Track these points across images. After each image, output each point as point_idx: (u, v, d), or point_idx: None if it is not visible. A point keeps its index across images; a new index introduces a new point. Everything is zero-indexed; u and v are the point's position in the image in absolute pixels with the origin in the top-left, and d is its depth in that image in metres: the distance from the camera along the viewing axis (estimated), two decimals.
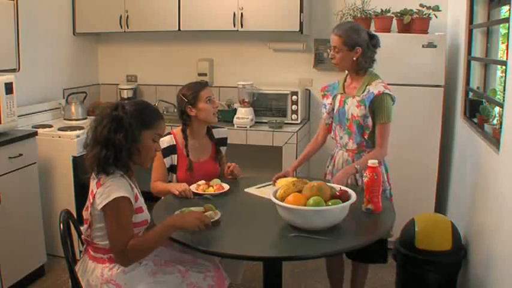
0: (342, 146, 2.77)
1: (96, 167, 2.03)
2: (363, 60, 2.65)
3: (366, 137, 2.66)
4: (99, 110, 4.43)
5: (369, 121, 2.61)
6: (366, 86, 2.65)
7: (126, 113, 2.03)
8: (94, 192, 2.03)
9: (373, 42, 2.66)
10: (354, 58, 2.63)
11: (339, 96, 2.79)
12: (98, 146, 2.01)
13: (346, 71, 2.79)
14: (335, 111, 2.79)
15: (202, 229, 2.03)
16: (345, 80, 2.80)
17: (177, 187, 2.60)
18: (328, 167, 2.87)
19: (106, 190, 1.98)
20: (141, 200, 2.12)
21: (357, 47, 2.61)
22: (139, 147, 2.06)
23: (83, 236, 2.17)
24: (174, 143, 2.82)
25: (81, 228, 2.29)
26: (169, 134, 2.84)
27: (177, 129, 2.89)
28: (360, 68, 2.68)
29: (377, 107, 2.60)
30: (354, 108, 2.66)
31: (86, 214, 2.11)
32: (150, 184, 2.77)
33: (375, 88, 2.61)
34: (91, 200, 2.05)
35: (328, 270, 3.05)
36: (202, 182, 2.68)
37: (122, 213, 1.98)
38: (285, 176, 2.77)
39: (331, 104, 2.82)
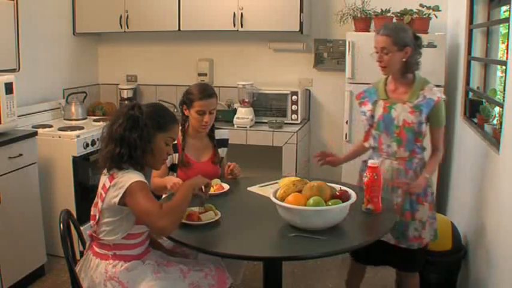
0: (390, 154, 2.58)
1: (109, 163, 2.04)
2: (412, 61, 2.53)
3: (419, 143, 2.56)
4: (99, 110, 4.47)
5: (424, 127, 2.52)
6: (419, 91, 2.52)
7: (142, 113, 2.05)
8: (107, 186, 2.02)
9: (418, 43, 2.56)
10: (404, 59, 2.51)
11: (381, 102, 2.61)
12: (112, 143, 2.04)
13: (385, 76, 2.65)
14: (377, 118, 2.60)
15: (205, 183, 2.21)
16: (385, 85, 2.64)
17: (169, 181, 2.59)
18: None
19: (120, 180, 1.98)
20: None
21: (407, 47, 2.49)
22: (152, 148, 2.08)
23: (88, 232, 2.17)
24: (175, 142, 2.82)
25: (81, 228, 2.29)
26: None
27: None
28: (409, 70, 2.55)
29: (435, 113, 2.51)
30: (406, 114, 2.51)
31: (93, 210, 2.11)
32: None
33: (432, 94, 2.51)
34: (103, 195, 2.04)
35: (349, 276, 2.95)
36: None
37: (144, 190, 1.98)
38: (332, 160, 2.82)
39: (371, 110, 2.63)
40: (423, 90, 2.52)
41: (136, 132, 2.02)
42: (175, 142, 2.80)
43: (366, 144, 2.70)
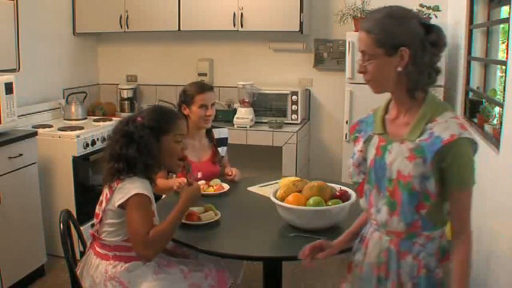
0: (380, 224, 1.64)
1: (112, 178, 2.07)
2: (416, 71, 1.52)
3: (423, 211, 1.56)
4: (99, 110, 4.47)
5: (431, 185, 1.52)
6: (426, 123, 1.54)
7: (136, 127, 2.07)
8: (113, 188, 2.04)
9: (431, 39, 1.54)
10: (399, 68, 1.53)
11: (375, 139, 1.66)
12: (112, 160, 2.07)
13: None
14: (368, 163, 1.67)
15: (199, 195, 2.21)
16: (385, 111, 1.68)
17: (175, 182, 2.61)
18: (355, 253, 1.76)
19: (126, 186, 2.01)
20: (154, 205, 2.14)
21: (402, 48, 1.51)
22: (162, 153, 2.11)
23: (90, 231, 2.18)
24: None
25: (81, 228, 2.29)
26: None
27: None
28: (413, 86, 1.55)
29: (450, 162, 1.49)
30: (402, 161, 1.54)
31: (98, 209, 2.13)
32: None
33: (444, 128, 1.50)
34: (108, 195, 2.06)
35: None
36: (202, 182, 2.68)
37: (143, 207, 2.01)
38: (323, 255, 1.81)
39: (362, 151, 1.69)
40: (433, 121, 1.53)
41: (133, 146, 2.04)
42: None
43: (364, 203, 1.73)
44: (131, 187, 2.00)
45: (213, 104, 2.83)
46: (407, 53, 1.51)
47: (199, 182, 2.67)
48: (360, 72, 1.61)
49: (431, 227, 1.60)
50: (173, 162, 2.19)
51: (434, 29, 1.57)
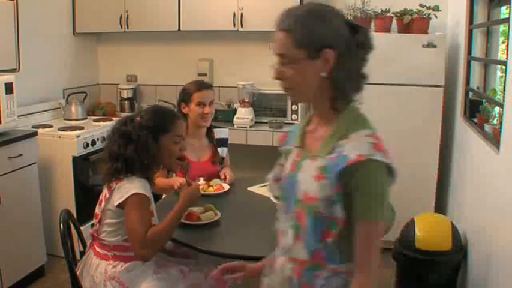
0: (285, 248, 1.45)
1: (111, 178, 2.08)
2: (343, 76, 1.34)
3: (329, 240, 1.33)
4: (99, 110, 4.47)
5: (338, 211, 1.29)
6: (339, 139, 1.33)
7: (134, 127, 2.08)
8: (112, 187, 2.05)
9: (358, 40, 1.35)
10: (323, 73, 1.33)
11: (293, 153, 1.48)
12: (111, 160, 2.08)
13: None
14: (283, 179, 1.50)
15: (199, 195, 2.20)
16: (309, 120, 1.49)
17: (176, 182, 2.61)
18: (264, 276, 1.59)
19: (125, 186, 2.01)
20: (153, 205, 2.14)
21: (326, 49, 1.31)
22: (161, 153, 2.11)
23: (90, 231, 2.18)
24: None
25: (81, 228, 2.29)
26: None
27: None
28: (338, 94, 1.36)
29: (354, 187, 1.28)
30: (309, 180, 1.34)
31: (98, 208, 2.13)
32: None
33: (353, 147, 1.29)
34: (107, 195, 2.06)
35: None
36: (203, 181, 2.68)
37: (141, 207, 2.01)
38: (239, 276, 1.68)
39: (281, 165, 1.55)
40: (346, 138, 1.32)
41: (130, 146, 2.05)
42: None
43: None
44: (130, 187, 2.00)
45: (211, 103, 2.82)
46: (332, 55, 1.31)
47: (200, 182, 2.68)
48: (277, 78, 1.42)
49: (337, 260, 1.34)
50: (172, 162, 2.20)
51: (361, 29, 1.36)
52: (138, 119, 2.11)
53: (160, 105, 2.30)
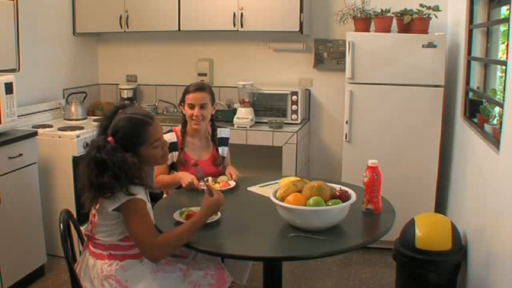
0: None
1: (94, 204, 2.05)
2: None
3: None
4: (99, 110, 4.47)
5: None
6: None
7: (108, 153, 1.98)
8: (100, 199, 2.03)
9: None
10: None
11: None
12: (91, 189, 2.00)
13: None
14: None
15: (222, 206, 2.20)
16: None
17: (184, 179, 2.61)
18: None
19: (116, 193, 1.98)
20: (149, 205, 2.13)
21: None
22: (144, 162, 2.08)
23: (84, 232, 2.18)
24: (175, 140, 2.84)
25: (82, 228, 2.29)
26: (170, 131, 2.87)
27: (179, 127, 2.92)
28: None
29: None
30: None
31: (94, 209, 2.11)
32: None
33: None
34: (97, 206, 2.05)
35: None
36: (209, 178, 2.69)
37: (140, 209, 2.00)
38: None
39: None
40: None
41: (108, 172, 1.96)
42: (175, 140, 2.82)
43: None
44: (120, 193, 1.97)
45: (202, 106, 2.79)
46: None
47: (207, 179, 2.67)
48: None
49: None
50: (158, 162, 2.19)
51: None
52: (109, 138, 2.03)
53: (129, 116, 2.11)
